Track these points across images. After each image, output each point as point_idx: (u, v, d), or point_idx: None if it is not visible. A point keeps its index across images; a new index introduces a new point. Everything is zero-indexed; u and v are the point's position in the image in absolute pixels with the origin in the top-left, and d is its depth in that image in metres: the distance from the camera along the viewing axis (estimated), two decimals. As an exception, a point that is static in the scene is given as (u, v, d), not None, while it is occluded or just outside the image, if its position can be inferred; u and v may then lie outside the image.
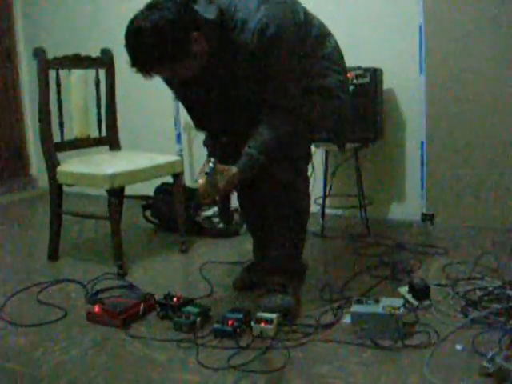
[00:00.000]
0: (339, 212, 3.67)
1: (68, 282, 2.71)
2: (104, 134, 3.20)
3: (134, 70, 1.95)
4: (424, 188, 3.45)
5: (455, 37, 3.24)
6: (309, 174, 2.37)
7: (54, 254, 3.02)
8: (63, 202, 3.00)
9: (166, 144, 4.03)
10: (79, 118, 3.07)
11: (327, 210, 3.40)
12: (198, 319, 2.15)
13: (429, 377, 1.76)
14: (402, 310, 2.04)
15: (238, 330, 2.08)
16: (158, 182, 3.50)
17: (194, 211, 3.40)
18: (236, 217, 3.45)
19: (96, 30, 4.35)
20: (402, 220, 3.54)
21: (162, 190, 3.60)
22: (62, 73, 2.99)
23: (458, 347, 1.92)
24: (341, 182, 3.61)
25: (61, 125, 2.99)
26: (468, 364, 1.83)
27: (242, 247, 3.15)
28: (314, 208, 2.91)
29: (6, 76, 4.84)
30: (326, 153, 3.32)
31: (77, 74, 3.05)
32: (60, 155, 2.95)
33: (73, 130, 3.08)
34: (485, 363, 1.76)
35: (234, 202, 2.60)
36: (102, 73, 3.16)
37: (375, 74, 3.19)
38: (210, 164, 2.06)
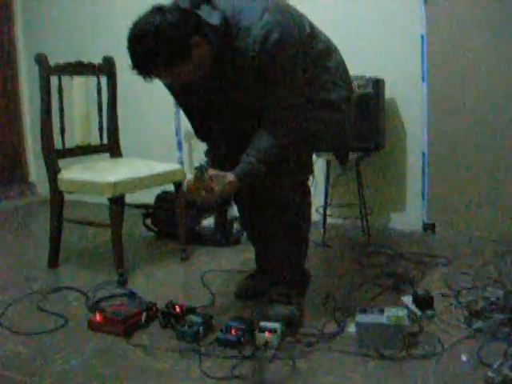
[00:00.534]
0: (340, 221, 3.66)
1: (68, 289, 2.69)
2: (105, 141, 3.19)
3: (135, 72, 1.94)
4: (425, 198, 3.45)
5: (457, 47, 3.25)
6: (310, 183, 2.37)
7: (53, 262, 3.00)
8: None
9: (166, 152, 4.03)
10: (81, 125, 3.06)
11: (328, 219, 3.39)
12: (201, 328, 2.14)
13: (435, 387, 1.76)
14: (406, 319, 2.03)
15: (241, 339, 2.06)
16: (158, 189, 3.48)
17: (193, 219, 3.38)
18: (236, 225, 3.45)
19: (97, 37, 4.36)
20: (402, 230, 3.53)
21: (162, 198, 3.59)
22: (64, 79, 2.97)
23: (463, 358, 1.92)
24: (341, 192, 3.61)
25: (62, 132, 2.97)
26: (473, 374, 1.82)
27: (243, 256, 3.13)
28: (315, 217, 2.92)
29: (5, 81, 4.82)
30: (328, 162, 3.31)
31: (79, 81, 3.03)
32: (60, 162, 2.94)
33: (74, 137, 3.07)
34: (490, 373, 1.75)
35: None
36: (103, 80, 3.15)
37: (377, 83, 3.19)
38: (202, 162, 2.05)
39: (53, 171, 2.88)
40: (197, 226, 3.42)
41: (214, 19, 1.98)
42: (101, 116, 3.17)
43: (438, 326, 2.17)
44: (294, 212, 2.25)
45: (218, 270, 2.91)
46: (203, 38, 1.96)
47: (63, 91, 2.95)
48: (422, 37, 3.30)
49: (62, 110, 2.95)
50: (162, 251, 3.33)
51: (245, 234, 3.33)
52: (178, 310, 2.26)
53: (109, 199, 2.72)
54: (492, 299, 2.33)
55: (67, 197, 2.98)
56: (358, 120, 3.01)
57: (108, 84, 3.15)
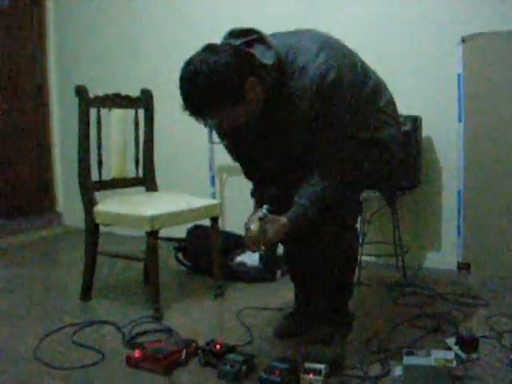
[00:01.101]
0: (373, 259, 3.61)
1: (103, 323, 2.66)
2: (141, 174, 3.18)
3: (187, 113, 1.91)
4: (460, 237, 3.40)
5: (494, 85, 3.23)
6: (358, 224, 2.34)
7: (86, 295, 2.97)
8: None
9: (199, 186, 4.02)
10: (118, 157, 3.06)
11: (362, 257, 3.34)
12: (244, 367, 2.09)
13: None
14: (454, 362, 1.98)
15: (285, 380, 2.01)
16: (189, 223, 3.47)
17: (227, 254, 3.35)
18: (270, 261, 3.42)
19: (133, 68, 4.42)
20: (436, 269, 3.47)
21: (194, 232, 3.57)
22: (102, 111, 2.99)
23: (515, 405, 1.87)
24: (375, 229, 3.57)
25: (100, 164, 2.97)
26: None
27: (279, 293, 3.09)
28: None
29: (36, 112, 4.88)
30: (363, 200, 3.28)
31: (117, 114, 3.04)
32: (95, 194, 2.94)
33: (110, 170, 3.06)
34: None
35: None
36: (140, 112, 3.16)
37: (415, 122, 3.18)
38: (264, 210, 2.02)
39: (89, 203, 2.87)
40: (230, 262, 3.39)
41: (269, 59, 1.94)
42: (137, 149, 3.17)
43: (483, 370, 2.11)
44: (342, 253, 2.21)
45: (254, 308, 2.86)
46: (257, 79, 1.92)
47: (101, 123, 2.96)
48: (459, 75, 3.28)
49: (100, 141, 2.96)
50: (195, 286, 3.29)
51: (279, 271, 3.31)
52: (218, 348, 2.21)
53: (146, 233, 2.70)
54: (538, 343, 2.29)
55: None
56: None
57: (145, 117, 3.16)
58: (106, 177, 3.04)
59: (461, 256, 3.41)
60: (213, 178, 4.04)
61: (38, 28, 4.83)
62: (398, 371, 2.06)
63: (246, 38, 1.96)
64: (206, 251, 3.37)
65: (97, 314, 2.83)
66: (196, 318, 2.78)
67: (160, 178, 3.28)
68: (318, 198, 2.06)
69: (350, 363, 2.19)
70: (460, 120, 3.32)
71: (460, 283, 3.23)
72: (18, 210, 4.76)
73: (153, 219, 2.65)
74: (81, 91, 2.85)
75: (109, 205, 2.86)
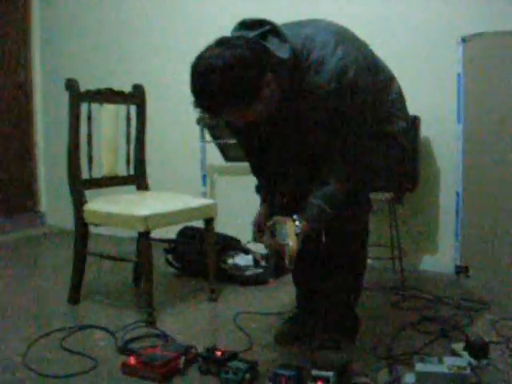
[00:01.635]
0: (370, 262, 3.52)
1: (94, 328, 2.53)
2: (132, 172, 3.06)
3: (199, 110, 1.80)
4: (459, 239, 3.33)
5: (494, 86, 3.16)
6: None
7: (74, 298, 2.85)
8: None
9: (189, 185, 3.90)
10: (109, 155, 2.93)
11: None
12: (247, 376, 1.99)
13: None
14: (468, 369, 1.89)
15: (291, 388, 1.91)
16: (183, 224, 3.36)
17: (220, 256, 3.25)
18: (264, 264, 3.32)
19: (124, 64, 4.30)
20: (434, 272, 3.41)
21: (186, 233, 3.46)
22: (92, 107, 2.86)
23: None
24: (372, 231, 3.47)
25: (90, 161, 2.85)
26: None
27: (274, 296, 3.00)
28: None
29: (20, 110, 4.72)
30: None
31: (109, 109, 2.92)
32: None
33: (100, 168, 2.94)
34: None
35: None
36: (132, 109, 3.04)
37: (414, 121, 3.10)
38: (297, 223, 1.94)
39: (79, 202, 2.75)
40: (222, 264, 3.28)
41: (284, 52, 1.82)
42: (129, 146, 3.04)
43: (495, 377, 2.03)
44: (354, 253, 2.13)
45: (251, 312, 2.75)
46: (274, 75, 1.81)
47: (92, 119, 2.84)
48: (459, 76, 3.21)
49: (90, 138, 2.83)
50: (187, 289, 3.17)
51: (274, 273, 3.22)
52: (219, 354, 2.10)
53: (139, 233, 2.58)
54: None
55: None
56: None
57: (137, 113, 3.04)
58: (96, 175, 2.91)
59: (459, 259, 3.34)
60: (204, 177, 3.92)
61: (22, 23, 4.67)
62: (409, 378, 1.97)
63: (259, 30, 1.83)
64: (198, 253, 3.29)
65: (86, 319, 2.70)
66: (191, 322, 2.67)
67: (150, 176, 3.16)
68: (333, 198, 1.97)
69: (357, 370, 2.09)
70: (459, 121, 3.25)
71: (459, 287, 3.16)
72: (0, 210, 4.60)
73: (147, 219, 2.53)
74: (71, 84, 2.72)
75: (99, 204, 2.74)
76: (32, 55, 4.76)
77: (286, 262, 1.92)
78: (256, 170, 2.31)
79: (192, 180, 3.95)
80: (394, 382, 2.00)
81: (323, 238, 2.11)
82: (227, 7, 3.85)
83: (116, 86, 2.97)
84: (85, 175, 2.83)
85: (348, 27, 2.05)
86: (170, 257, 3.47)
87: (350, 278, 2.20)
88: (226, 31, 1.91)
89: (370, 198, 2.25)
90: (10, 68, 4.65)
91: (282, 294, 2.95)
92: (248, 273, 3.29)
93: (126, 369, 2.08)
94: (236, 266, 3.29)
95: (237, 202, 3.77)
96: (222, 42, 1.76)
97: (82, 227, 2.76)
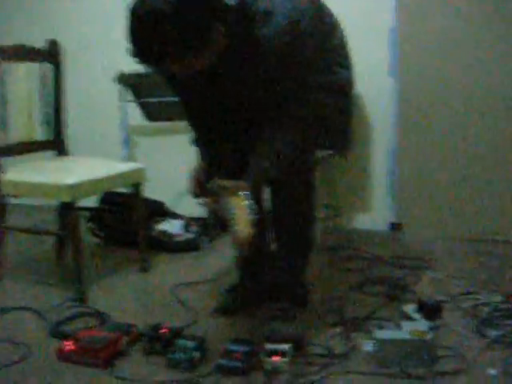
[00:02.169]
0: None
1: (19, 310, 2.31)
2: (50, 137, 2.79)
3: (138, 60, 1.60)
4: (393, 197, 3.30)
5: (427, 40, 3.10)
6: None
7: (-7, 276, 2.60)
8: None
9: (109, 149, 3.65)
10: (23, 118, 2.66)
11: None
12: (196, 354, 1.85)
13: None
14: (430, 333, 1.84)
15: (247, 364, 1.79)
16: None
17: (151, 225, 3.07)
18: (195, 228, 3.17)
19: (37, 19, 3.92)
20: (368, 230, 3.36)
21: (109, 200, 3.23)
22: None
23: (492, 371, 1.77)
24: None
25: (3, 125, 2.57)
26: None
27: (209, 262, 2.87)
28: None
29: None
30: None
31: (22, 68, 2.63)
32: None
33: (15, 133, 2.66)
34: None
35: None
36: (48, 67, 2.76)
37: (348, 76, 2.99)
38: (248, 203, 1.77)
39: (-7, 172, 2.48)
40: (151, 231, 3.10)
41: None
42: (46, 108, 2.77)
43: (451, 337, 1.99)
44: (300, 215, 2.01)
45: (187, 282, 2.59)
46: (221, 22, 1.65)
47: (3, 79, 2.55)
48: (391, 30, 3.13)
49: (3, 101, 2.55)
50: (115, 260, 2.97)
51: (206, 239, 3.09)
52: (163, 332, 1.95)
53: (64, 204, 2.36)
54: (494, 305, 2.21)
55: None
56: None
57: (54, 72, 2.76)
58: (11, 141, 2.63)
59: (393, 216, 3.32)
60: (125, 139, 3.68)
61: None
62: (367, 346, 1.90)
63: None
64: (123, 220, 3.10)
65: (10, 300, 2.45)
66: (124, 296, 2.49)
67: (69, 140, 2.90)
68: (278, 157, 1.84)
69: (310, 340, 2.00)
70: (392, 75, 3.18)
71: (397, 245, 3.13)
72: None
73: (73, 188, 2.31)
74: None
75: (19, 173, 2.47)
76: None
77: (239, 249, 1.78)
78: (195, 124, 2.14)
79: (113, 143, 3.70)
80: (350, 350, 1.92)
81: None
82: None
83: (29, 42, 2.69)
84: (-1, 142, 2.55)
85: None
86: (93, 226, 3.25)
87: (298, 241, 2.09)
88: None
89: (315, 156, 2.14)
90: None
91: (217, 260, 2.83)
92: (178, 239, 3.13)
93: (63, 355, 1.89)
94: (165, 233, 3.11)
95: (161, 165, 3.56)
96: None
97: (-2, 199, 2.50)
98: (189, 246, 3.09)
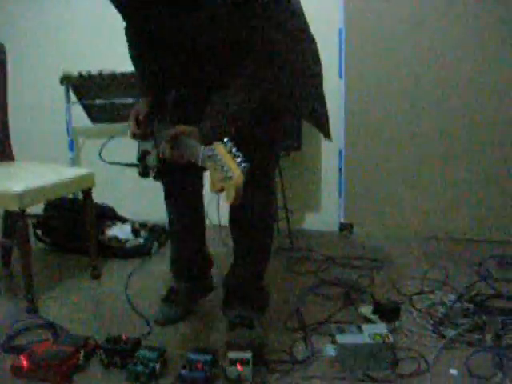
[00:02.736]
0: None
1: (-36, 323, 2.21)
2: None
3: None
4: (342, 197, 3.32)
5: (374, 40, 3.14)
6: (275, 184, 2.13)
7: None
8: None
9: (55, 152, 3.54)
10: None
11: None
12: (158, 365, 1.80)
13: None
14: (390, 336, 1.85)
15: (209, 374, 1.76)
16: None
17: (101, 230, 2.99)
18: (145, 234, 3.11)
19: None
20: (317, 231, 3.38)
21: (55, 206, 3.14)
22: None
23: (453, 371, 1.80)
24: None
25: None
26: None
27: (158, 269, 2.81)
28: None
29: None
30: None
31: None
32: None
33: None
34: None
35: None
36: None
37: (298, 77, 2.99)
38: (234, 150, 1.49)
39: None
40: (100, 236, 3.02)
41: None
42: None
43: (409, 339, 2.02)
44: (261, 214, 1.98)
45: (140, 289, 2.55)
46: None
47: None
48: (340, 30, 3.15)
49: None
50: (65, 268, 2.87)
51: (155, 244, 3.04)
52: (122, 344, 1.89)
53: (11, 213, 2.26)
54: (448, 304, 2.24)
55: None
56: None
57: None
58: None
59: (343, 217, 3.34)
60: (71, 142, 3.58)
61: None
62: (330, 351, 1.90)
63: None
64: (71, 226, 3.01)
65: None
66: (77, 305, 2.41)
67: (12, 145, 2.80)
68: (235, 112, 1.69)
69: (271, 346, 1.99)
70: (341, 76, 3.20)
71: (348, 245, 3.15)
72: None
73: (22, 196, 2.21)
74: None
75: (-40, 181, 2.36)
76: None
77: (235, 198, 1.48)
78: (139, 62, 2.03)
79: (58, 146, 3.59)
80: (313, 355, 1.92)
81: None
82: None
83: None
84: None
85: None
86: (39, 232, 3.14)
87: (257, 246, 2.05)
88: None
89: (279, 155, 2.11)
90: None
91: (165, 266, 2.77)
92: (128, 245, 3.06)
93: (18, 372, 1.81)
94: (115, 238, 3.04)
95: (107, 168, 3.47)
96: None
97: None
98: (140, 252, 3.03)
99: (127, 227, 3.18)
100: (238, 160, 1.43)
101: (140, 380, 1.77)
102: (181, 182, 2.10)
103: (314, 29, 3.11)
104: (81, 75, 3.31)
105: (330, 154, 3.33)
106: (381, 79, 3.15)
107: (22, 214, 2.24)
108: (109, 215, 3.24)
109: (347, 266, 2.78)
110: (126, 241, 3.07)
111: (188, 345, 1.97)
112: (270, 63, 1.70)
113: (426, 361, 1.85)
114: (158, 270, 2.80)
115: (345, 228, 3.34)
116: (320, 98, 2.00)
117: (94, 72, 3.30)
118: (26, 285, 2.30)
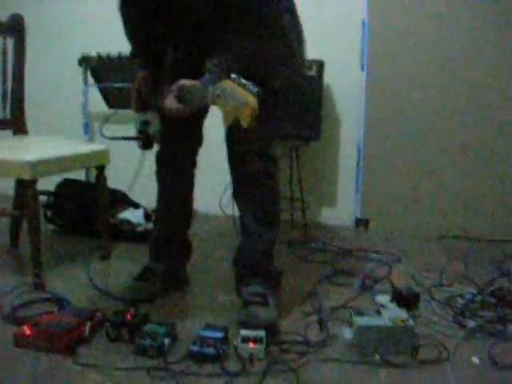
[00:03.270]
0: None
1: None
2: (8, 115, 2.63)
3: None
4: (359, 192, 3.25)
5: (398, 34, 3.07)
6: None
7: None
8: None
9: (70, 133, 3.48)
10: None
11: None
12: (167, 340, 1.73)
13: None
14: (411, 320, 1.77)
15: (221, 351, 1.69)
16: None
17: (112, 213, 2.93)
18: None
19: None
20: (333, 225, 3.30)
21: (66, 186, 3.08)
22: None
23: (475, 360, 1.73)
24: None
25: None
26: (490, 377, 1.64)
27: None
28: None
29: None
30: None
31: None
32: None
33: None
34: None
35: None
36: (9, 42, 2.59)
37: (321, 67, 2.93)
38: (243, 81, 1.57)
39: None
40: (112, 219, 2.95)
41: None
42: (5, 85, 2.60)
43: (429, 327, 1.94)
44: (264, 187, 1.95)
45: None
46: None
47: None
48: (364, 23, 3.08)
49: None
50: (75, 248, 2.82)
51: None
52: (130, 318, 1.82)
53: (23, 182, 2.19)
54: (468, 296, 2.16)
55: None
56: (301, 105, 2.78)
57: (15, 47, 2.59)
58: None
59: (359, 212, 3.26)
60: (86, 125, 3.53)
61: None
62: (347, 333, 1.82)
63: None
64: (82, 208, 2.95)
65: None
66: (85, 283, 2.33)
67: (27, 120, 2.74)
68: (234, 65, 1.70)
69: (286, 327, 1.91)
70: (363, 69, 3.13)
71: (363, 239, 3.07)
72: None
73: (34, 165, 2.15)
74: None
75: (-28, 150, 2.30)
76: None
77: (244, 122, 1.54)
78: (136, 32, 2.02)
79: (73, 128, 3.54)
80: (326, 338, 1.84)
81: None
82: None
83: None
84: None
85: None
86: (49, 213, 3.08)
87: (265, 214, 1.99)
88: None
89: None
90: None
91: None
92: (139, 229, 3.00)
93: (21, 341, 1.74)
94: (127, 222, 2.98)
95: (120, 154, 3.42)
96: None
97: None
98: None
99: (139, 212, 3.11)
100: (249, 87, 1.48)
101: (148, 354, 1.70)
102: (175, 150, 2.12)
103: (338, 21, 3.10)
104: (100, 56, 3.26)
105: (348, 148, 3.25)
106: (402, 73, 3.07)
107: (32, 184, 2.17)
108: (122, 199, 3.18)
109: (364, 258, 2.70)
110: (138, 225, 3.00)
111: (200, 322, 1.89)
112: (257, 28, 1.73)
113: (446, 349, 1.77)
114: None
115: (361, 223, 3.26)
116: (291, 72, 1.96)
117: (114, 53, 3.25)
118: (34, 258, 2.23)
